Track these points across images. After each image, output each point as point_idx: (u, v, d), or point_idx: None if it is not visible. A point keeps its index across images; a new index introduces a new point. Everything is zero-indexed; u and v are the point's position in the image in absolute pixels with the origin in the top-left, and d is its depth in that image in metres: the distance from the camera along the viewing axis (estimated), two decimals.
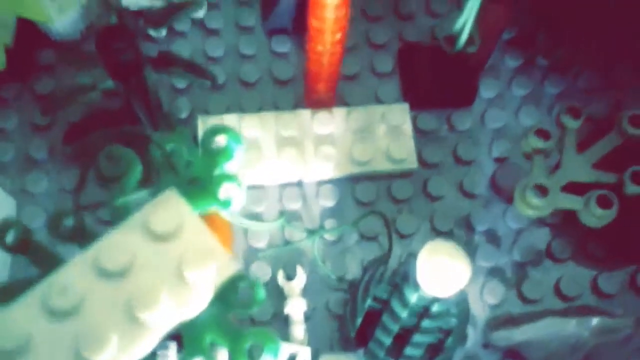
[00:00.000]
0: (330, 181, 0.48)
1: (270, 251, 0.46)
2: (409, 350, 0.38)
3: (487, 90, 0.52)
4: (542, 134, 0.42)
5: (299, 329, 0.43)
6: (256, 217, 0.47)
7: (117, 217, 0.31)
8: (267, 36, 0.53)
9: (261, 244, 0.46)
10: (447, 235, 0.48)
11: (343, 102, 0.51)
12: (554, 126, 0.43)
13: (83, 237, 0.31)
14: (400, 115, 0.49)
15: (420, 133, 0.50)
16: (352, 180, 0.48)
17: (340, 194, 0.48)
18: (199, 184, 0.33)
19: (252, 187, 0.47)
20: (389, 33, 0.53)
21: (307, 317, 0.44)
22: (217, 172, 0.33)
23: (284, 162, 0.48)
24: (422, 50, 0.51)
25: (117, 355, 0.30)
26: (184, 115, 0.50)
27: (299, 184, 0.48)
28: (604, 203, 0.39)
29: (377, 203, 0.48)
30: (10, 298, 0.30)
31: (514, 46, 0.53)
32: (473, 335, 0.45)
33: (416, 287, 0.34)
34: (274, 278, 0.45)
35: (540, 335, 0.43)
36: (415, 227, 0.47)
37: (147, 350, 0.31)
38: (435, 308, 0.35)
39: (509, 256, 0.47)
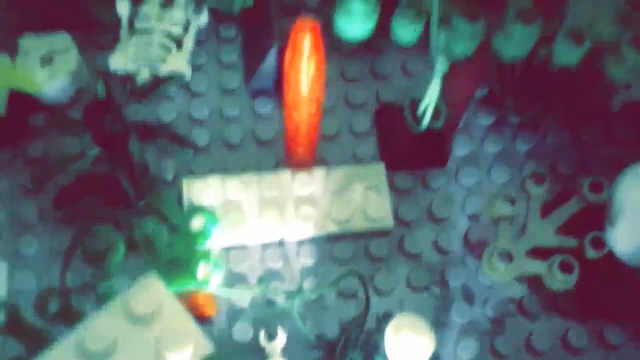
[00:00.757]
0: (310, 240, 0.50)
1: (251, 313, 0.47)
2: None
3: (460, 149, 0.54)
4: (509, 199, 0.44)
5: None
6: (239, 277, 0.49)
7: (101, 299, 0.33)
8: (251, 98, 0.55)
9: (244, 304, 0.48)
10: (423, 290, 0.49)
11: (323, 161, 0.53)
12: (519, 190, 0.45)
13: (69, 317, 0.33)
14: (376, 175, 0.51)
15: (396, 191, 0.52)
16: (331, 239, 0.50)
17: (319, 253, 0.50)
18: (179, 264, 0.35)
19: (234, 248, 0.49)
20: (365, 94, 0.56)
21: None
22: (195, 251, 0.35)
23: (266, 223, 0.49)
24: (396, 112, 0.53)
25: None
26: (169, 177, 0.52)
27: (280, 243, 0.50)
28: (566, 268, 0.41)
29: (355, 261, 0.50)
30: None
31: (486, 104, 0.55)
32: None
33: (386, 358, 0.36)
34: (255, 338, 0.46)
35: None
36: (393, 284, 0.49)
37: None
38: None
39: (482, 311, 0.49)
